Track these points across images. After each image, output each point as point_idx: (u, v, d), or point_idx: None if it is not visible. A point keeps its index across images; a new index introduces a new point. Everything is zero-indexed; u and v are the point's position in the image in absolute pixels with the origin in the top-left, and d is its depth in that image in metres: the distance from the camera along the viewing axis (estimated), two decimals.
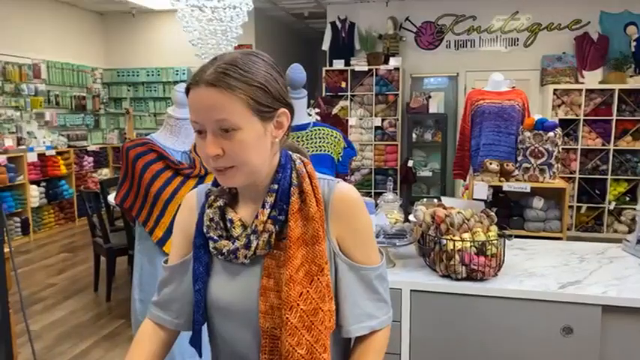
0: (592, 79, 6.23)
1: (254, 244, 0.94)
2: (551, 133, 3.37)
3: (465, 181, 4.00)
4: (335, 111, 6.32)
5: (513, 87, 3.92)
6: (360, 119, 6.87)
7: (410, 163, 6.65)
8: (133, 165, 2.09)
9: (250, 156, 0.89)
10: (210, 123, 0.87)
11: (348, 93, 6.85)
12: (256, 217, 0.95)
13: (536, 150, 3.39)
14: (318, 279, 0.93)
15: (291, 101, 0.96)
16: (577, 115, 6.08)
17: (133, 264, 2.24)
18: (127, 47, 8.02)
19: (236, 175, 0.91)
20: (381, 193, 2.33)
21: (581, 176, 6.16)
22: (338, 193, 0.98)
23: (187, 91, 0.90)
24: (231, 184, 0.94)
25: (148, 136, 2.19)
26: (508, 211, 3.56)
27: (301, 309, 0.90)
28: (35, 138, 6.65)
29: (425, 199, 2.25)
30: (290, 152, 1.01)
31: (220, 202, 0.99)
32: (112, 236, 4.21)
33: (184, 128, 2.19)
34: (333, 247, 0.98)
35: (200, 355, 1.08)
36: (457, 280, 1.84)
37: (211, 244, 0.97)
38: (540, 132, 3.39)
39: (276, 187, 0.95)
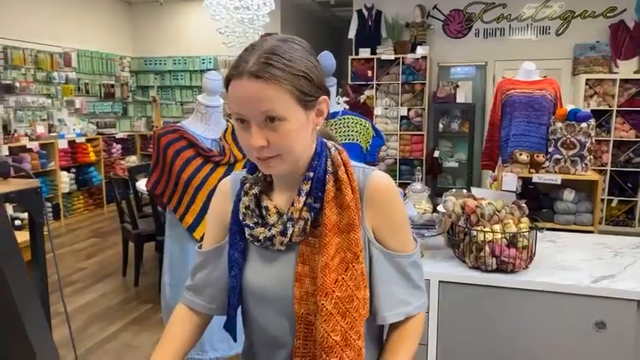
0: (627, 68, 6.04)
1: (290, 231, 0.94)
2: (584, 124, 3.29)
3: (493, 172, 3.94)
4: (362, 99, 6.29)
5: (545, 76, 3.83)
6: (386, 109, 6.81)
7: (436, 154, 6.57)
8: (165, 152, 2.12)
9: (294, 145, 0.89)
10: (256, 115, 0.86)
11: (374, 82, 6.80)
12: (292, 204, 0.95)
13: (568, 141, 3.31)
14: (354, 266, 0.93)
15: (328, 87, 0.96)
16: (610, 106, 5.92)
17: (164, 249, 2.28)
18: (154, 36, 8.10)
19: (279, 164, 0.91)
20: (406, 184, 2.32)
21: (612, 169, 6.00)
22: (373, 182, 0.98)
23: (227, 81, 0.89)
24: (274, 172, 0.95)
25: (178, 124, 2.21)
26: (537, 204, 3.49)
27: (336, 295, 0.91)
28: (66, 125, 6.79)
29: (454, 190, 2.22)
30: (324, 140, 1.01)
31: (256, 190, 0.99)
32: (140, 222, 4.28)
33: (214, 116, 2.20)
34: (368, 235, 0.98)
35: (235, 340, 1.10)
36: (487, 271, 1.81)
37: (247, 231, 0.98)
38: (573, 123, 3.31)
39: (311, 174, 0.95)
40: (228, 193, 1.07)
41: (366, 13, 6.98)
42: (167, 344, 1.05)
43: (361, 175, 0.99)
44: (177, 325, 1.08)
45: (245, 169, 1.05)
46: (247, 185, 1.00)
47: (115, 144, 7.53)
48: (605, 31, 6.27)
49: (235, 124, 0.91)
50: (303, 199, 0.94)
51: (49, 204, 6.21)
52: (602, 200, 5.96)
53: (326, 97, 0.93)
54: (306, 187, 0.94)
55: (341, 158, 0.97)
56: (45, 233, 1.21)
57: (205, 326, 1.12)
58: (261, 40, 0.91)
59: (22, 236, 2.22)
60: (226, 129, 2.27)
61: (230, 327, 1.05)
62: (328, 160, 0.97)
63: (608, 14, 6.28)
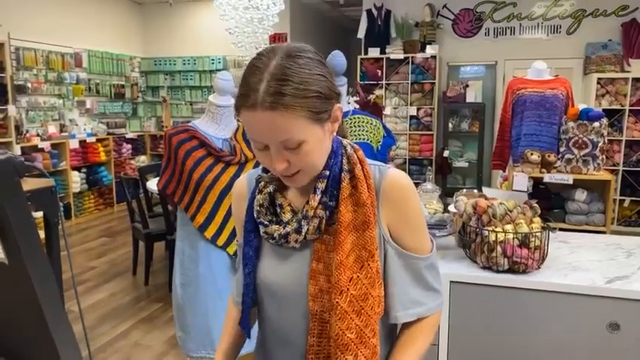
0: (639, 67, 5.98)
1: (305, 229, 0.94)
2: (596, 124, 3.26)
3: (504, 171, 3.91)
4: (371, 99, 6.28)
5: (556, 75, 3.80)
6: (395, 108, 6.80)
7: (445, 154, 6.55)
8: (176, 152, 2.13)
9: (316, 160, 0.90)
10: (274, 143, 0.86)
11: (384, 81, 6.78)
12: (307, 202, 0.95)
13: (580, 141, 3.28)
14: (369, 264, 0.93)
15: (339, 89, 0.95)
16: (622, 105, 5.86)
17: (175, 249, 2.29)
18: (164, 36, 8.14)
19: (304, 178, 0.92)
20: (415, 184, 2.32)
21: (625, 169, 5.95)
22: (389, 180, 0.97)
23: (238, 108, 0.86)
24: (299, 185, 0.95)
25: (189, 124, 2.22)
26: (548, 204, 3.47)
27: (351, 294, 0.91)
28: (76, 125, 6.85)
29: (465, 190, 2.21)
30: (340, 138, 1.01)
31: (270, 188, 1.00)
32: (150, 222, 4.30)
33: (225, 116, 2.21)
34: (384, 234, 0.98)
35: (249, 337, 1.10)
36: (499, 272, 1.80)
37: (262, 229, 0.98)
38: (585, 122, 3.28)
39: (327, 173, 0.95)
40: (243, 192, 1.07)
41: (375, 12, 6.96)
42: (222, 338, 1.16)
43: (377, 172, 0.98)
44: (228, 318, 1.18)
45: (260, 167, 1.05)
46: (262, 183, 1.01)
47: (125, 144, 7.58)
48: (617, 30, 6.21)
49: (253, 145, 0.90)
50: (318, 197, 0.94)
51: (60, 203, 6.25)
52: (615, 200, 5.91)
53: (339, 103, 0.92)
54: (321, 186, 0.95)
55: (357, 156, 0.97)
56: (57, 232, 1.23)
57: (254, 319, 1.14)
58: (264, 58, 0.85)
59: None
60: (237, 128, 2.27)
61: (244, 323, 1.06)
62: (344, 158, 0.97)
63: (620, 13, 6.22)
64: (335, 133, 1.00)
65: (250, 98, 0.82)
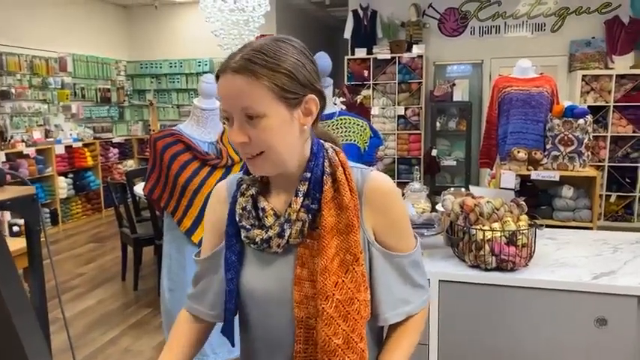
0: (623, 64, 6.06)
1: (287, 233, 0.93)
2: (581, 120, 3.29)
3: (491, 169, 3.94)
4: (358, 100, 6.29)
5: (541, 73, 3.83)
6: (383, 108, 6.81)
7: (434, 153, 6.58)
8: (161, 156, 2.11)
9: (276, 141, 0.88)
10: (236, 111, 0.88)
11: (371, 82, 6.80)
12: (289, 205, 0.94)
13: (566, 138, 3.31)
14: (354, 268, 0.92)
15: (322, 88, 0.95)
16: (607, 102, 5.92)
17: (162, 254, 2.27)
18: (150, 39, 8.09)
19: (265, 163, 0.91)
20: (404, 183, 2.32)
21: (610, 164, 6.01)
22: (372, 182, 0.97)
23: (217, 78, 0.90)
24: (261, 172, 0.94)
25: (175, 127, 2.20)
26: (536, 201, 3.49)
27: (337, 299, 0.90)
28: (62, 130, 6.77)
29: (452, 189, 2.22)
30: (322, 141, 1.00)
31: (252, 191, 0.98)
32: (138, 226, 4.27)
33: (210, 119, 2.19)
34: (368, 237, 0.97)
35: (232, 345, 1.09)
36: (487, 270, 1.81)
37: (243, 233, 0.97)
38: (570, 119, 3.31)
39: (308, 175, 0.94)
40: (223, 197, 1.05)
41: (361, 12, 6.97)
42: (170, 351, 1.04)
43: (359, 175, 0.97)
44: (180, 331, 1.08)
45: (241, 171, 1.04)
46: (244, 186, 0.99)
47: (112, 148, 7.52)
48: (601, 27, 6.28)
49: (225, 122, 0.93)
50: (300, 200, 0.93)
51: (47, 210, 6.18)
52: (601, 196, 5.97)
53: (314, 96, 0.91)
54: (303, 188, 0.93)
55: (339, 159, 0.97)
56: (42, 240, 1.21)
57: (209, 332, 1.11)
58: (255, 40, 0.92)
59: (21, 243, 2.22)
60: (223, 131, 2.26)
61: (227, 331, 1.04)
62: (326, 160, 0.96)
63: (603, 10, 6.28)
64: (317, 136, 0.99)
65: (225, 63, 0.88)
